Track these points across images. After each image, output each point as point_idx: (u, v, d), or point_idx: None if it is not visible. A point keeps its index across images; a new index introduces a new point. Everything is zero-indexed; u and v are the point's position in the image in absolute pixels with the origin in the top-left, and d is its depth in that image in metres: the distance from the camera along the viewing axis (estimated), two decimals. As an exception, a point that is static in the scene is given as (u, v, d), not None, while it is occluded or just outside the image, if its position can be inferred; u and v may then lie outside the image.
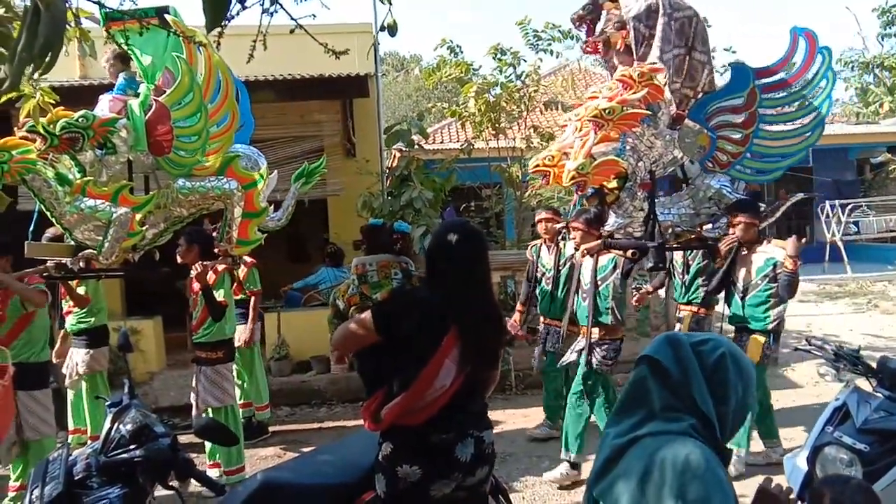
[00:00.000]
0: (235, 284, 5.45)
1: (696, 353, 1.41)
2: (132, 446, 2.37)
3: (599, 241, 4.49)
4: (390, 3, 2.24)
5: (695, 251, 5.24)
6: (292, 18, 1.94)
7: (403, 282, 3.05)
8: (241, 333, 5.58)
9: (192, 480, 2.47)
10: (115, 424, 2.48)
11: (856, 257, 14.13)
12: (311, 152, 7.58)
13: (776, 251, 4.44)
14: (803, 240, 4.38)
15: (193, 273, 4.46)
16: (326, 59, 7.19)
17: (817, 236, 16.04)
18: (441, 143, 13.40)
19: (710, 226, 4.99)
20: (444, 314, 2.29)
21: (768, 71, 4.83)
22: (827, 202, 14.60)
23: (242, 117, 4.86)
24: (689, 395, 1.38)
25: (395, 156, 9.70)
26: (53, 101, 4.66)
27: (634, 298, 5.79)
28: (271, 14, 1.97)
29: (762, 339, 4.46)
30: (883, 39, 21.48)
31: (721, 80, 5.48)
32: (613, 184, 4.46)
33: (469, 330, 2.28)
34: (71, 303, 4.99)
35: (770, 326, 4.47)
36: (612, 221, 4.60)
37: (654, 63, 4.40)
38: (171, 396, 6.64)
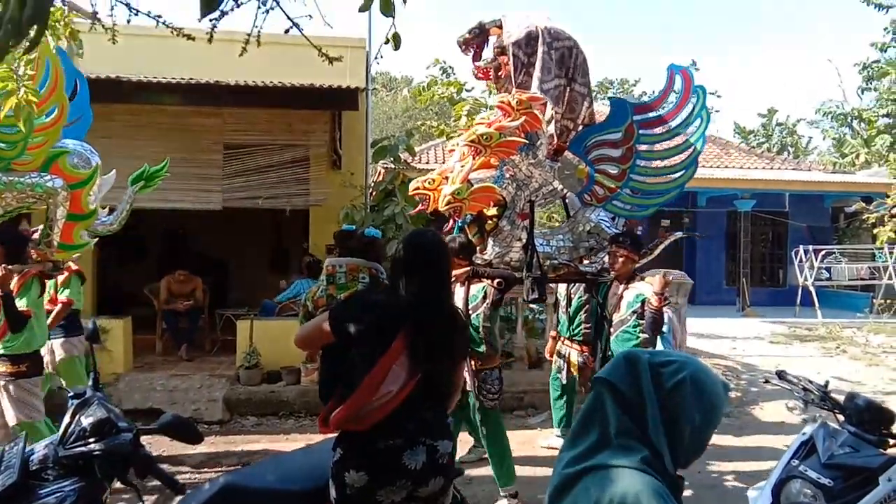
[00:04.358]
0: (52, 293, 5.04)
1: (656, 374, 1.34)
2: (92, 439, 2.31)
3: (466, 269, 4.41)
4: (393, 17, 2.23)
5: (577, 285, 5.18)
6: (288, 18, 1.94)
7: (369, 285, 3.05)
8: (57, 348, 5.13)
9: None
10: (77, 416, 2.41)
11: (826, 303, 14.36)
12: (296, 161, 7.59)
13: (646, 287, 4.41)
14: (671, 277, 4.36)
15: None
16: (317, 71, 7.23)
17: (790, 279, 16.30)
18: (427, 163, 13.46)
19: (587, 261, 4.93)
20: (396, 319, 2.28)
21: (646, 107, 4.81)
22: (801, 247, 14.88)
23: (80, 111, 4.58)
24: (644, 418, 1.32)
25: (380, 171, 9.72)
26: (37, 100, 4.55)
27: (547, 350, 5.73)
28: (267, 11, 1.96)
29: None
30: (863, 93, 22.13)
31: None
32: (493, 211, 4.38)
33: (418, 336, 2.26)
34: None
35: None
36: (490, 250, 4.52)
37: (534, 92, 4.35)
38: (136, 399, 6.50)
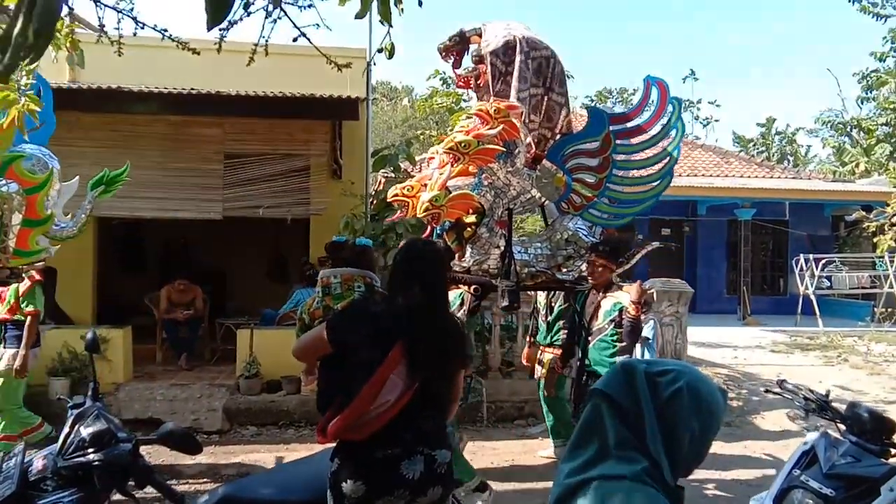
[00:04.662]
0: (13, 303, 5.04)
1: (653, 384, 1.33)
2: (91, 450, 2.31)
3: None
4: (390, 26, 2.25)
5: (557, 293, 5.20)
6: (295, 26, 1.95)
7: (365, 294, 3.06)
8: (9, 359, 5.07)
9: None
10: (76, 427, 2.42)
11: (828, 311, 14.33)
12: (297, 170, 7.60)
13: (623, 296, 4.43)
14: (647, 286, 4.37)
15: None
16: (318, 81, 7.21)
17: (791, 288, 16.29)
18: (427, 172, 13.47)
19: (564, 269, 4.92)
20: (393, 328, 2.29)
21: (624, 117, 4.84)
22: (801, 255, 14.87)
23: (42, 118, 4.42)
24: (642, 428, 1.31)
25: (380, 180, 9.74)
26: (38, 109, 4.55)
27: (524, 356, 5.78)
28: (274, 21, 1.98)
29: None
30: (862, 103, 22.18)
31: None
32: (472, 219, 4.38)
33: (415, 344, 2.26)
34: None
35: None
36: (468, 257, 4.53)
37: (511, 101, 4.37)
38: (135, 409, 6.50)
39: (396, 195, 4.32)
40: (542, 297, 5.46)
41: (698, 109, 31.85)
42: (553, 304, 5.34)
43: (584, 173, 4.66)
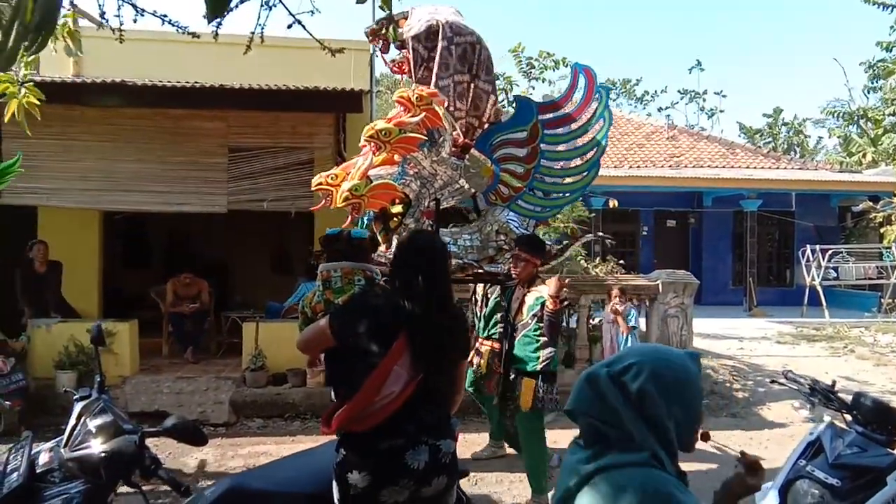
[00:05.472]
0: None
1: (620, 385, 1.33)
2: (97, 442, 2.32)
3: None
4: (390, 11, 2.25)
5: (494, 285, 5.09)
6: (290, 13, 1.94)
7: (366, 287, 3.05)
8: None
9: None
10: (82, 419, 2.43)
11: (834, 302, 14.28)
12: (301, 163, 7.59)
13: (545, 290, 4.33)
14: (567, 280, 4.29)
15: None
16: (321, 74, 7.14)
17: (797, 279, 16.23)
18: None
19: (497, 260, 4.84)
20: (396, 320, 2.29)
21: (552, 105, 4.73)
22: (808, 246, 14.81)
23: None
24: (628, 429, 1.32)
25: (384, 173, 9.73)
26: (39, 101, 4.52)
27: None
28: (270, 7, 1.97)
29: (532, 381, 4.32)
30: (869, 92, 21.99)
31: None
32: (398, 209, 4.27)
33: (418, 336, 2.27)
34: None
35: (539, 367, 4.31)
36: (394, 247, 4.47)
37: (431, 88, 4.24)
38: (142, 402, 6.54)
39: (320, 184, 4.20)
40: (479, 289, 5.33)
41: (704, 100, 31.57)
42: (489, 297, 5.21)
43: (513, 163, 4.55)
